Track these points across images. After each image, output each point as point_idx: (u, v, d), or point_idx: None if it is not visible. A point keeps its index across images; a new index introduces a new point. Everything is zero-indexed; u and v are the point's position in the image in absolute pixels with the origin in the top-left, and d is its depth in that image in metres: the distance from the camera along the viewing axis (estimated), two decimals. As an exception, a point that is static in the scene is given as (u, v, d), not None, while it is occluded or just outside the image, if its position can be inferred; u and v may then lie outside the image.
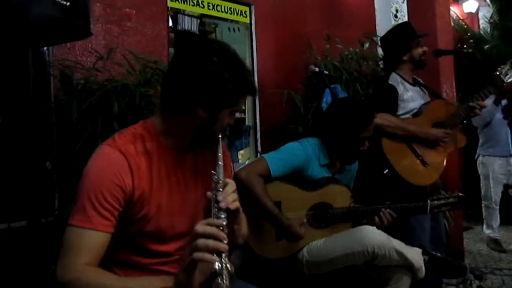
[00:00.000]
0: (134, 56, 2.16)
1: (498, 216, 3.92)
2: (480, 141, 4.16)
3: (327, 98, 2.58)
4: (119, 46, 2.32)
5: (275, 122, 2.95)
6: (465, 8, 6.24)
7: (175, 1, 2.80)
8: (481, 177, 4.12)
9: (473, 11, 6.22)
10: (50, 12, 1.37)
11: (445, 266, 1.78)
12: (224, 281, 0.85)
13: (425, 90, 2.45)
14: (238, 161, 3.19)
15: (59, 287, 0.98)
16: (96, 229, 1.00)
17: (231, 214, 1.01)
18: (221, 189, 1.01)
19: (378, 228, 1.72)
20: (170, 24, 2.81)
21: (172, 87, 1.10)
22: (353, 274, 1.76)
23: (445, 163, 2.31)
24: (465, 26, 5.94)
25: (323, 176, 1.85)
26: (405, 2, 3.72)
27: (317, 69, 2.52)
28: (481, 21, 6.42)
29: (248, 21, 3.20)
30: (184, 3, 2.86)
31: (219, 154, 1.09)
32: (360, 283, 1.78)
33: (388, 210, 1.74)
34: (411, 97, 2.33)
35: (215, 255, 0.87)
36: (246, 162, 3.00)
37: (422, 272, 1.68)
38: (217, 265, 0.85)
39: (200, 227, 0.90)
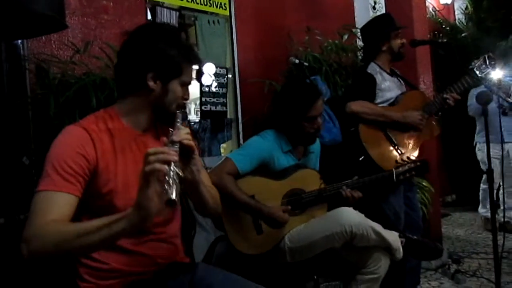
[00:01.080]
0: (112, 50, 2.12)
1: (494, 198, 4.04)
2: (477, 129, 4.30)
3: (307, 89, 2.60)
4: (96, 39, 2.28)
5: (256, 114, 2.96)
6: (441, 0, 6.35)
7: (153, -7, 2.77)
8: (480, 162, 4.25)
9: (449, 2, 6.33)
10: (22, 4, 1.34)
11: (422, 248, 1.84)
12: (172, 176, 0.90)
13: (402, 81, 2.50)
14: (221, 154, 3.19)
15: (25, 248, 0.98)
16: (60, 190, 1.04)
17: (186, 152, 1.05)
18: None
19: (352, 204, 1.76)
20: (149, 17, 2.77)
21: (123, 68, 1.19)
22: (333, 260, 1.79)
23: (418, 151, 2.36)
24: (441, 17, 6.04)
25: (290, 164, 1.88)
26: (383, -7, 3.76)
27: (297, 61, 2.54)
28: (456, 12, 6.54)
29: (228, 14, 3.19)
30: (162, -5, 2.83)
31: (178, 120, 1.13)
32: (340, 268, 1.82)
33: (353, 182, 1.80)
34: (388, 87, 2.38)
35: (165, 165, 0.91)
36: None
37: (400, 253, 1.72)
38: (167, 171, 0.91)
39: (151, 149, 0.95)
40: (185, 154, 1.05)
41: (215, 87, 3.11)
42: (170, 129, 1.09)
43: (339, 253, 1.77)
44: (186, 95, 1.23)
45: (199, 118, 3.15)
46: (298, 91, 1.91)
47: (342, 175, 1.91)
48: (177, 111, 1.17)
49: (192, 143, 1.06)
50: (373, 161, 2.22)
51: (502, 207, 4.24)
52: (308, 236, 1.74)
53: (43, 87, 1.91)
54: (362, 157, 2.22)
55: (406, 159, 1.91)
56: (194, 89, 3.15)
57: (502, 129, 4.01)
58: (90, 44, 2.08)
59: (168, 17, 2.89)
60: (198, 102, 3.12)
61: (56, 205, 1.02)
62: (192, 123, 3.19)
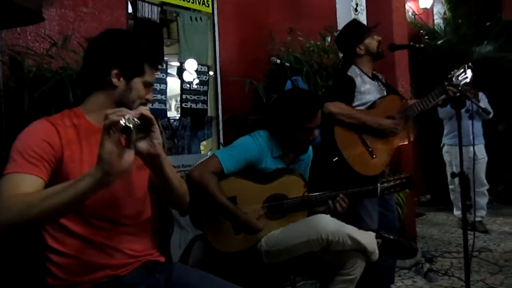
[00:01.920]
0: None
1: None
2: (445, 131, 4.44)
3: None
4: (74, 32, 2.23)
5: (237, 113, 2.96)
6: (421, 4, 6.47)
7: (134, -13, 2.72)
8: (447, 164, 4.38)
9: (428, 7, 6.46)
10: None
11: (397, 247, 1.87)
12: (128, 121, 0.94)
13: (382, 86, 2.53)
14: (200, 152, 3.18)
15: None
16: (26, 172, 1.06)
17: (146, 125, 1.06)
18: None
19: (333, 215, 1.78)
20: (130, 10, 2.73)
21: (88, 66, 1.25)
22: (311, 260, 1.81)
23: (391, 156, 2.40)
24: (420, 21, 6.17)
25: (277, 168, 1.87)
26: (364, -4, 3.81)
27: (278, 61, 2.54)
28: (435, 17, 6.69)
29: (211, 11, 3.17)
30: (144, -11, 2.79)
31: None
32: (317, 268, 1.84)
33: (341, 196, 1.81)
34: (368, 90, 2.41)
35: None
36: (209, 153, 2.99)
37: (376, 255, 1.75)
38: (124, 121, 0.94)
39: (109, 110, 0.98)
40: (145, 126, 1.06)
41: (196, 84, 3.09)
42: None
43: (316, 254, 1.79)
44: (148, 95, 1.29)
45: (179, 115, 3.12)
46: (301, 100, 1.87)
47: (318, 177, 1.92)
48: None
49: (151, 115, 1.07)
50: (346, 163, 2.26)
51: (476, 207, 4.41)
52: (284, 241, 1.74)
53: (17, 81, 1.86)
54: (336, 158, 2.25)
55: (392, 175, 1.93)
56: (174, 85, 3.12)
57: (471, 132, 4.17)
58: (69, 39, 2.02)
59: (149, 12, 2.85)
60: (178, 99, 3.10)
61: (22, 185, 1.04)
62: (172, 120, 3.17)
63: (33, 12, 1.44)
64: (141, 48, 1.26)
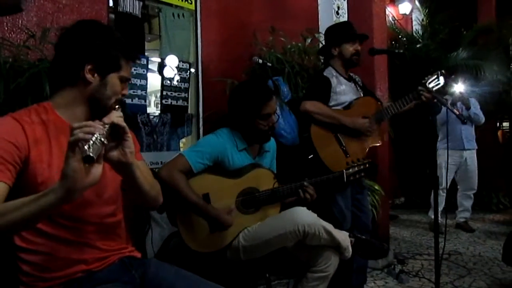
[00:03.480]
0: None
1: (444, 202, 4.31)
2: (439, 136, 4.54)
3: (269, 90, 2.63)
4: (53, 24, 2.18)
5: (217, 111, 2.96)
6: (401, 10, 6.62)
7: (116, -19, 2.68)
8: (438, 166, 4.48)
9: (407, 12, 6.62)
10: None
11: (369, 247, 1.92)
12: (92, 143, 0.90)
13: (359, 88, 2.58)
14: (180, 149, 3.16)
15: None
16: None
17: (118, 133, 1.03)
18: None
19: (304, 205, 1.82)
20: (111, 4, 2.69)
21: (59, 59, 1.17)
22: (285, 259, 1.84)
23: (365, 156, 2.43)
24: (399, 27, 6.31)
25: (246, 163, 1.91)
26: (346, 0, 3.87)
27: (260, 61, 2.56)
28: (414, 23, 6.85)
29: (193, 8, 3.16)
30: (126, -17, 2.75)
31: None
32: (291, 267, 1.87)
33: (305, 184, 1.86)
34: (343, 91, 2.46)
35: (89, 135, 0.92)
36: (187, 150, 2.98)
37: (349, 252, 1.80)
38: (90, 139, 0.91)
39: (75, 123, 0.94)
40: (117, 135, 1.03)
41: (177, 81, 3.07)
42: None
43: (291, 252, 1.82)
44: (124, 90, 1.23)
45: (159, 111, 3.10)
46: (252, 88, 1.94)
47: (294, 174, 1.96)
48: (115, 107, 1.16)
49: (124, 124, 1.04)
50: (321, 161, 2.30)
51: (460, 209, 4.56)
52: (262, 235, 1.78)
53: (-8, 72, 1.80)
54: (311, 156, 2.29)
55: (356, 161, 1.99)
56: (155, 81, 3.10)
57: (462, 136, 4.35)
58: (48, 31, 1.98)
59: (131, 6, 2.82)
60: (158, 95, 3.08)
61: None
62: (152, 116, 3.14)
63: (11, 1, 1.40)
64: (116, 41, 1.19)
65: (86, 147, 0.89)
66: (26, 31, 1.98)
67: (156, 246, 2.07)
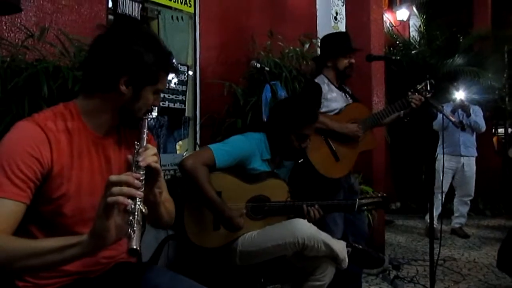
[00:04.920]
0: (67, 38, 2.03)
1: (440, 207, 4.33)
2: (439, 142, 4.56)
3: (266, 94, 2.64)
4: (52, 24, 2.18)
5: (215, 114, 2.96)
6: (398, 16, 6.67)
7: (115, -17, 2.69)
8: (436, 171, 4.52)
9: (405, 19, 6.67)
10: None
11: (366, 257, 1.93)
12: (136, 219, 0.86)
13: (349, 97, 2.62)
14: (176, 152, 3.15)
15: None
16: (7, 197, 0.95)
17: (151, 175, 1.01)
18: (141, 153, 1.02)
19: (308, 221, 1.82)
20: (110, 5, 2.69)
21: (95, 64, 1.09)
22: (281, 265, 1.84)
23: (355, 161, 2.48)
24: (397, 33, 6.35)
25: (264, 170, 1.91)
26: (344, 5, 3.89)
27: (258, 65, 2.56)
28: (411, 29, 6.90)
29: (192, 11, 3.16)
30: (125, -15, 2.75)
31: (144, 130, 1.10)
32: (288, 274, 1.86)
33: (316, 207, 1.85)
34: (334, 98, 2.50)
35: (129, 199, 0.88)
36: (184, 154, 2.98)
37: (345, 263, 1.80)
38: (130, 206, 0.87)
39: (114, 176, 0.90)
40: (151, 177, 1.00)
41: (175, 84, 3.07)
42: (136, 142, 1.04)
43: (288, 259, 1.81)
44: (156, 101, 1.18)
45: (156, 114, 3.10)
46: (303, 104, 1.96)
47: (306, 189, 1.96)
48: (144, 117, 1.13)
49: (158, 166, 1.01)
50: (312, 165, 2.31)
51: (456, 214, 4.58)
52: (260, 243, 1.77)
53: (-10, 71, 1.80)
54: (302, 160, 2.30)
55: (370, 194, 2.01)
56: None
57: (460, 143, 4.38)
58: (46, 31, 1.97)
59: (130, 8, 2.82)
60: (156, 97, 3.07)
61: (1, 214, 0.94)
62: (149, 119, 3.13)
63: (10, 2, 1.40)
64: (158, 53, 1.10)
65: (130, 232, 0.84)
66: (24, 30, 1.98)
67: (151, 249, 2.06)
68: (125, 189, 0.88)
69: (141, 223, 0.88)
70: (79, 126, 1.10)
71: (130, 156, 1.01)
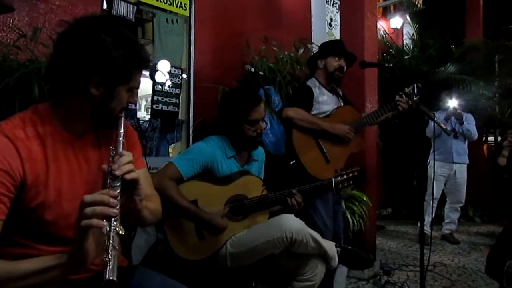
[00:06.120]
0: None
1: (432, 214, 4.36)
2: (432, 149, 4.58)
3: (260, 98, 2.64)
4: (45, 25, 2.16)
5: (208, 118, 2.95)
6: (392, 24, 6.74)
7: (110, -16, 2.68)
8: (428, 177, 4.54)
9: (398, 27, 6.74)
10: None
11: (355, 258, 1.93)
12: (111, 244, 0.84)
13: (340, 99, 2.64)
14: (169, 155, 3.14)
15: None
16: None
17: (129, 184, 0.98)
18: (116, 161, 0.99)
19: (292, 212, 1.83)
20: (104, 6, 2.68)
21: (60, 66, 1.02)
22: (271, 267, 1.83)
23: (345, 162, 2.49)
24: (390, 40, 6.41)
25: (234, 171, 1.92)
26: (339, 12, 3.92)
27: (252, 69, 2.59)
28: (405, 37, 6.98)
29: (188, 14, 3.16)
30: (120, -13, 2.75)
31: (120, 132, 1.06)
32: (278, 275, 1.86)
33: (294, 191, 1.87)
34: (325, 101, 2.55)
35: (104, 220, 0.85)
36: (177, 156, 2.96)
37: (335, 261, 1.80)
38: (105, 229, 0.84)
39: (88, 196, 0.87)
40: (128, 185, 0.97)
41: (169, 86, 3.06)
42: (111, 147, 1.00)
43: (277, 260, 1.81)
44: (132, 99, 1.12)
45: (148, 116, 3.08)
46: (241, 94, 1.98)
47: (277, 180, 1.97)
48: (120, 115, 1.10)
49: (135, 175, 0.97)
50: (303, 167, 2.33)
51: (446, 221, 4.61)
52: (249, 241, 1.77)
53: (-19, 71, 1.78)
54: (293, 161, 2.32)
55: (345, 170, 2.00)
56: (146, 85, 3.08)
57: (453, 150, 4.42)
58: (39, 31, 1.96)
59: (125, 10, 2.81)
60: (149, 99, 3.06)
61: None
62: (142, 121, 3.12)
63: (3, 2, 1.39)
64: (127, 49, 1.02)
65: (106, 259, 0.81)
66: (17, 30, 1.96)
67: (141, 253, 2.04)
68: (98, 209, 0.85)
69: (117, 248, 0.85)
70: (52, 129, 1.05)
71: (105, 166, 0.98)
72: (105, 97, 1.04)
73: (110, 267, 0.81)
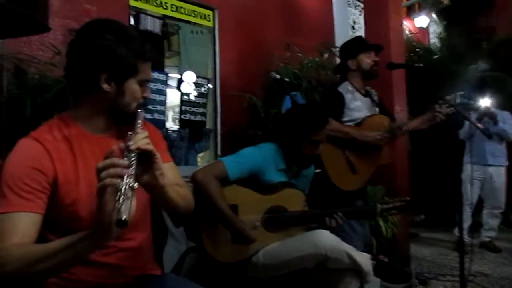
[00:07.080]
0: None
1: (470, 219, 4.19)
2: (466, 151, 4.44)
3: (287, 105, 2.65)
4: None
5: (235, 127, 2.98)
6: (417, 23, 6.61)
7: (137, 0, 2.77)
8: (462, 181, 4.39)
9: (424, 26, 6.60)
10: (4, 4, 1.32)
11: (392, 271, 1.85)
12: (123, 192, 0.85)
13: (375, 104, 2.54)
14: (197, 164, 3.19)
15: None
16: (19, 210, 0.97)
17: (146, 158, 0.99)
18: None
19: (327, 229, 1.79)
20: (132, 22, 2.78)
21: (73, 69, 1.10)
22: (304, 278, 1.81)
23: (371, 174, 2.40)
24: (416, 40, 6.28)
25: (279, 181, 1.89)
26: (362, 14, 3.88)
27: (278, 76, 2.58)
28: (431, 36, 6.82)
29: (212, 25, 3.22)
30: (146, 2, 2.84)
31: (138, 121, 1.08)
32: (310, 286, 1.83)
33: (339, 214, 1.82)
34: (358, 107, 2.42)
35: (118, 179, 0.87)
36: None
37: (370, 276, 1.74)
38: (119, 184, 0.86)
39: (100, 163, 0.89)
40: (145, 160, 0.99)
41: (195, 97, 3.12)
42: (129, 132, 1.02)
43: (310, 273, 1.78)
44: (145, 93, 1.16)
45: (176, 126, 3.14)
46: (309, 111, 1.93)
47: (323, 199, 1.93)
48: (138, 110, 1.11)
49: (150, 147, 0.99)
50: (327, 177, 2.27)
51: (485, 227, 4.41)
52: (283, 255, 1.74)
53: (20, 87, 1.87)
54: (319, 170, 2.26)
55: (392, 199, 1.92)
56: (172, 97, 3.15)
57: (486, 152, 4.24)
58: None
59: (151, 24, 2.90)
60: (177, 109, 3.12)
61: (16, 228, 0.96)
62: (170, 131, 3.19)
63: (40, 22, 1.46)
64: (130, 43, 1.08)
65: (117, 206, 0.83)
66: (52, 49, 2.06)
67: (172, 261, 2.07)
68: (111, 170, 0.88)
69: (130, 196, 0.87)
70: (76, 131, 1.11)
71: (120, 144, 0.98)
72: (117, 92, 1.10)
73: (121, 209, 0.83)
